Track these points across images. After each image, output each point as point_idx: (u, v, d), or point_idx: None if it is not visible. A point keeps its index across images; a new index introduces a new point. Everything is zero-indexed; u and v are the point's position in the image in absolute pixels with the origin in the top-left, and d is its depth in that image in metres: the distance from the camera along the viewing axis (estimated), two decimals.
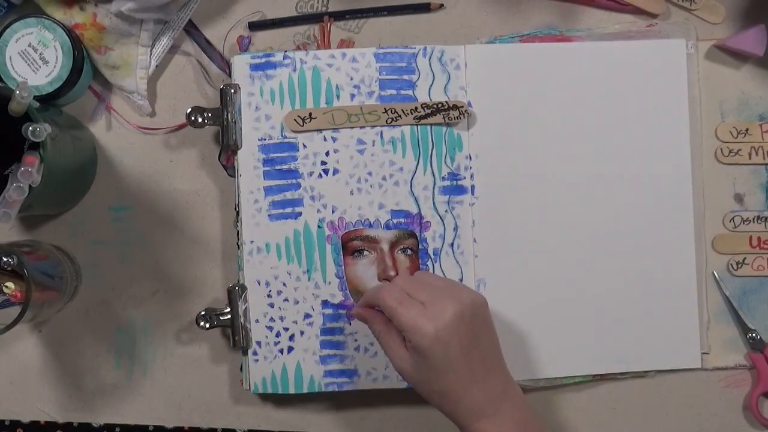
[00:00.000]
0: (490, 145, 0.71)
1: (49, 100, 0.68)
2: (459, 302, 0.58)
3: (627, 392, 0.73)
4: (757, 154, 0.73)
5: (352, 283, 0.70)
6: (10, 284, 0.65)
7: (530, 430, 0.59)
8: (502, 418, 0.58)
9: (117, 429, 0.73)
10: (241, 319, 0.69)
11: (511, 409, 0.59)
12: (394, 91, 0.70)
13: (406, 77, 0.70)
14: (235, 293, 0.70)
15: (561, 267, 0.71)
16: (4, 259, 0.63)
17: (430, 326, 0.57)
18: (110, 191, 0.73)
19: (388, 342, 0.61)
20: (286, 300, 0.70)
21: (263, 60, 0.70)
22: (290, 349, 0.70)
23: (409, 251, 0.70)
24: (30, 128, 0.60)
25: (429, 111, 0.70)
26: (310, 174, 0.70)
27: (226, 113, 0.69)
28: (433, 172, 0.70)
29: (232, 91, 0.70)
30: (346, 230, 0.70)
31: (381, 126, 0.70)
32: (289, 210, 0.70)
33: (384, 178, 0.70)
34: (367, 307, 0.64)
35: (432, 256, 0.70)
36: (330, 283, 0.70)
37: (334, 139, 0.70)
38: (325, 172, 0.70)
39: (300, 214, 0.70)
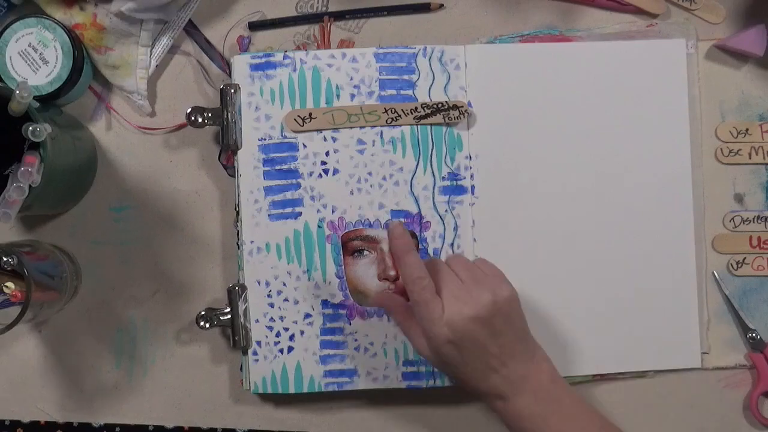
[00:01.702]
0: (490, 145, 0.71)
1: (49, 100, 0.68)
2: (476, 306, 0.61)
3: (627, 392, 0.72)
4: (757, 154, 0.73)
5: (352, 282, 0.70)
6: (10, 284, 0.65)
7: (554, 407, 0.61)
8: (523, 399, 0.61)
9: (117, 429, 0.73)
10: (241, 319, 0.69)
11: (532, 390, 0.61)
12: (394, 91, 0.70)
13: (406, 77, 0.70)
14: (235, 293, 0.70)
15: (561, 267, 0.71)
16: (4, 259, 0.63)
17: (443, 330, 0.60)
18: (110, 191, 0.73)
19: (408, 331, 0.64)
20: (286, 300, 0.70)
21: (263, 60, 0.70)
22: (290, 349, 0.70)
23: None
24: (30, 128, 0.60)
25: (429, 111, 0.70)
26: (310, 174, 0.70)
27: (226, 113, 0.69)
28: (433, 172, 0.70)
29: (232, 91, 0.70)
30: (346, 230, 0.70)
31: (381, 126, 0.70)
32: (289, 210, 0.70)
33: (384, 178, 0.70)
34: (390, 295, 0.68)
35: (432, 256, 0.70)
36: (330, 282, 0.70)
37: (334, 139, 0.70)
38: (325, 172, 0.70)
39: (300, 214, 0.70)
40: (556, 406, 0.62)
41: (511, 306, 0.62)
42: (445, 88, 0.70)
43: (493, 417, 0.72)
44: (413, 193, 0.70)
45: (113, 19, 0.69)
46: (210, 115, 0.70)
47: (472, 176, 0.71)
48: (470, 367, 0.61)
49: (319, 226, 0.70)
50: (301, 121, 0.69)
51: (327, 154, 0.70)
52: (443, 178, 0.70)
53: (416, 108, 0.70)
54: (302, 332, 0.70)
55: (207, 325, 0.70)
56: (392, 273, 0.70)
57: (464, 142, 0.71)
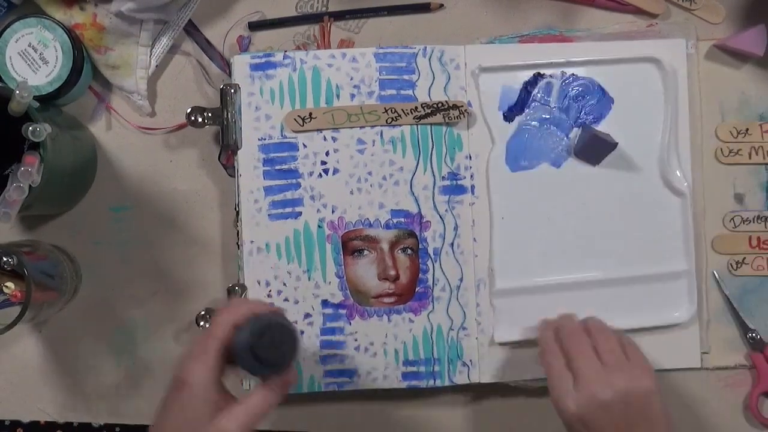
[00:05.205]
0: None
1: (49, 100, 0.68)
2: (610, 392, 0.59)
3: None
4: (757, 154, 0.73)
5: (352, 282, 0.70)
6: (10, 284, 0.65)
7: None
8: None
9: (117, 429, 0.73)
10: None
11: None
12: (394, 91, 0.70)
13: (406, 77, 0.70)
14: (235, 293, 0.70)
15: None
16: (4, 259, 0.63)
17: (572, 406, 0.60)
18: (110, 191, 0.73)
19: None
20: (286, 300, 0.70)
21: (263, 60, 0.70)
22: None
23: (409, 251, 0.70)
24: (30, 128, 0.60)
25: (429, 111, 0.70)
26: (310, 174, 0.70)
27: (226, 113, 0.69)
28: (433, 172, 0.70)
29: (232, 91, 0.69)
30: (346, 230, 0.70)
31: (381, 126, 0.70)
32: (289, 210, 0.70)
33: (384, 178, 0.70)
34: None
35: (432, 256, 0.70)
36: (330, 282, 0.70)
37: (334, 139, 0.70)
38: (325, 171, 0.70)
39: (300, 213, 0.70)
40: None
41: (647, 399, 0.60)
42: (445, 88, 0.70)
43: (491, 417, 0.72)
44: (413, 193, 0.70)
45: (113, 19, 0.69)
46: (210, 115, 0.70)
47: (472, 176, 0.71)
48: None
49: (319, 226, 0.70)
50: (301, 121, 0.69)
51: (327, 153, 0.70)
52: (443, 178, 0.70)
53: (416, 108, 0.70)
54: (302, 332, 0.70)
55: (207, 326, 0.70)
56: (392, 273, 0.69)
57: (464, 142, 0.71)
